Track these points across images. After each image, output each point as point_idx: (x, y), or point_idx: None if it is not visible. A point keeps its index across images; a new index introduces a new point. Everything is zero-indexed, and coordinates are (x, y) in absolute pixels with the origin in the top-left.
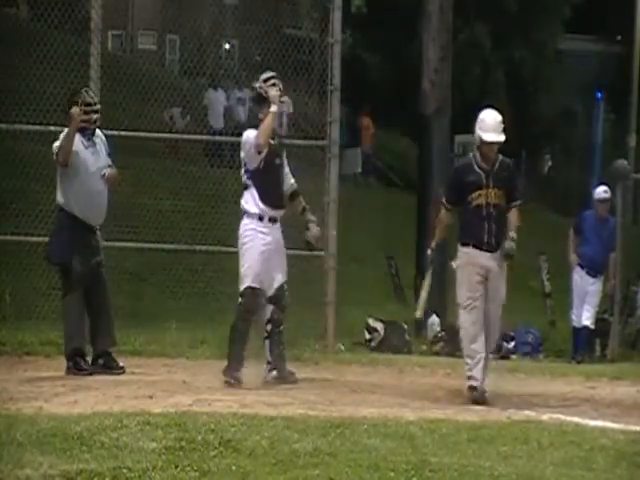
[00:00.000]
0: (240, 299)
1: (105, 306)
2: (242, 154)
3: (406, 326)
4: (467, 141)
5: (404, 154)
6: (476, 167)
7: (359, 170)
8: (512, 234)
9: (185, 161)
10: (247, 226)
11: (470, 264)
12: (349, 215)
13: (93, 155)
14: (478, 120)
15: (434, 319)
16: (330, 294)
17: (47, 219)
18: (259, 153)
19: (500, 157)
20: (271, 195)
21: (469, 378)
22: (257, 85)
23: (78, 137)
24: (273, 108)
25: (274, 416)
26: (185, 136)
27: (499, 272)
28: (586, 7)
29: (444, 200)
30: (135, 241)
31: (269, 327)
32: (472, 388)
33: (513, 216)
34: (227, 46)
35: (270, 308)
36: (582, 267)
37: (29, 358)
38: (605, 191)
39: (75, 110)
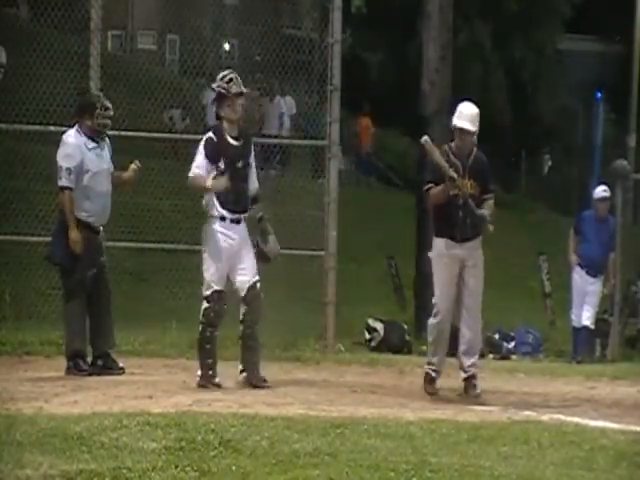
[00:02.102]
0: (206, 304)
1: (107, 307)
2: None
3: (406, 326)
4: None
5: (404, 154)
6: (452, 157)
7: (341, 167)
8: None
9: (185, 161)
10: (210, 227)
11: (445, 256)
12: (349, 215)
13: (97, 157)
14: (456, 111)
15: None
16: (330, 294)
17: (47, 219)
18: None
19: (475, 150)
20: (231, 200)
21: (430, 364)
22: (216, 85)
23: (82, 140)
24: (209, 183)
25: (274, 416)
26: (185, 136)
27: (474, 262)
28: (586, 7)
29: (427, 185)
30: (135, 241)
31: (241, 328)
32: (432, 379)
33: (487, 206)
34: (227, 46)
35: (243, 309)
36: (582, 267)
37: (29, 358)
38: (604, 190)
39: (76, 237)
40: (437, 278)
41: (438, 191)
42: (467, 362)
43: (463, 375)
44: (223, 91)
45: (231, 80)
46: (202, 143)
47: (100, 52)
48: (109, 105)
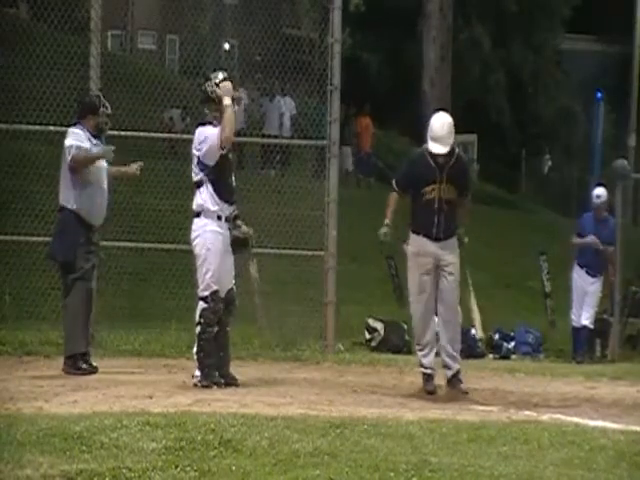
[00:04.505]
0: (205, 305)
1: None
2: (195, 151)
3: (406, 326)
4: (467, 141)
5: (404, 154)
6: (431, 161)
7: (350, 168)
8: (460, 232)
9: (185, 161)
10: (206, 227)
11: (420, 253)
12: (349, 215)
13: None
14: (429, 124)
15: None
16: (330, 294)
17: (47, 219)
18: (222, 149)
19: (456, 152)
20: (227, 191)
21: (422, 366)
22: (210, 89)
23: (87, 135)
24: (227, 101)
25: (274, 416)
26: (185, 136)
27: (449, 260)
28: (586, 7)
29: (394, 185)
30: (135, 241)
31: (215, 329)
32: (428, 377)
33: (463, 211)
34: (227, 46)
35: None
36: (581, 267)
37: (29, 358)
38: (599, 194)
39: (110, 148)
40: (411, 276)
41: (387, 207)
42: (449, 360)
43: (449, 373)
44: (213, 96)
45: (225, 80)
46: (207, 128)
47: (100, 52)
48: (107, 104)
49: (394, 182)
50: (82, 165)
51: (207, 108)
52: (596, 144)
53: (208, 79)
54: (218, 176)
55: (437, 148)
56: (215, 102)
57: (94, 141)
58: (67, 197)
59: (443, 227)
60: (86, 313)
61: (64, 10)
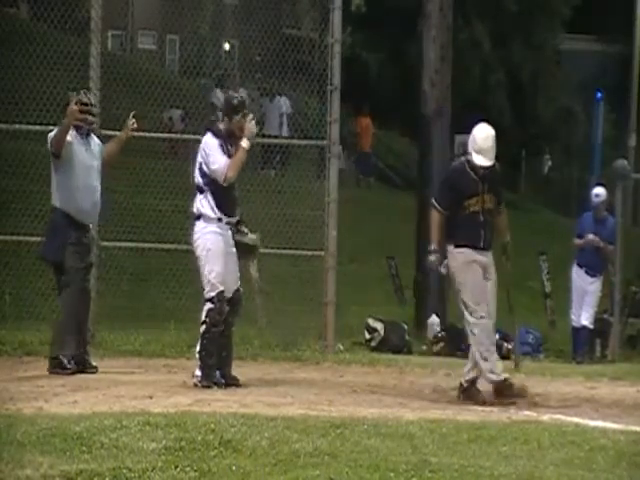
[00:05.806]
0: (212, 305)
1: (86, 309)
2: (200, 158)
3: (406, 326)
4: (467, 141)
5: (404, 154)
6: (472, 173)
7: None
8: (508, 239)
9: (185, 161)
10: (206, 229)
11: (469, 262)
12: (349, 215)
13: (87, 152)
14: (471, 136)
15: (434, 319)
16: (330, 294)
17: (47, 219)
18: (224, 182)
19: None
20: (227, 203)
21: (492, 373)
22: (235, 120)
23: (73, 132)
24: (245, 144)
25: (274, 416)
26: (185, 136)
27: (492, 272)
28: (586, 7)
29: (437, 204)
30: (135, 241)
31: (220, 329)
32: (505, 380)
33: (503, 222)
34: (227, 46)
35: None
36: (581, 266)
37: (29, 358)
38: (598, 193)
39: (72, 106)
40: (469, 283)
41: (432, 229)
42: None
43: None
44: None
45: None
46: (216, 144)
47: (100, 52)
48: (87, 101)
49: (435, 201)
50: (59, 142)
51: (221, 115)
52: (596, 144)
53: (242, 111)
54: (218, 187)
55: (482, 161)
56: (235, 133)
57: (81, 139)
58: (56, 197)
59: (488, 238)
60: (80, 314)
61: (64, 10)
